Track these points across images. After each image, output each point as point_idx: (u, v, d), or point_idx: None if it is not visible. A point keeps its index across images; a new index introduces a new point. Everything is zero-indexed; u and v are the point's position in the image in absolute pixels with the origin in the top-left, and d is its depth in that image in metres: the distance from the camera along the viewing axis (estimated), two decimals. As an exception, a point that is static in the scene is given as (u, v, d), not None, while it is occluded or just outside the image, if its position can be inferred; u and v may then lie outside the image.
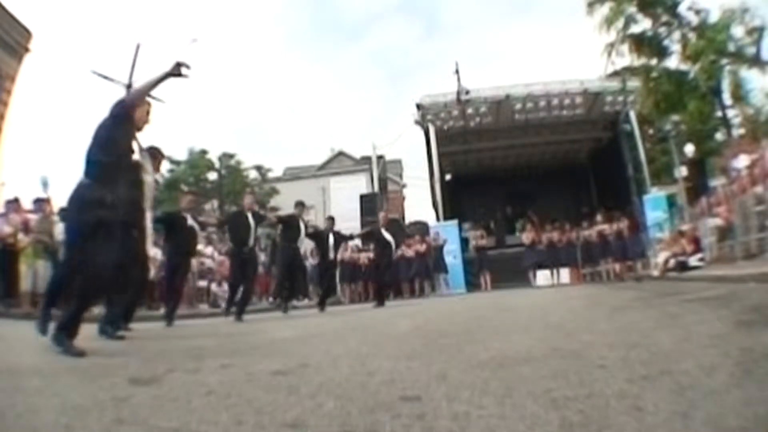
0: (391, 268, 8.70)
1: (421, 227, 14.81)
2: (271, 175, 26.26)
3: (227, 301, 8.07)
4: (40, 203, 7.72)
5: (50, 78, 56.12)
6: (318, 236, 7.88)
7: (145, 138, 3.62)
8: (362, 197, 16.42)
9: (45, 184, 7.94)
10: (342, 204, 20.37)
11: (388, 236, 8.13)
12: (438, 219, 15.10)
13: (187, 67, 2.69)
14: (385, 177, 25.35)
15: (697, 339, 1.97)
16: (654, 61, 11.55)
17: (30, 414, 1.37)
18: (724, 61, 10.48)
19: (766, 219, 6.60)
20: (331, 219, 8.26)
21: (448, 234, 13.02)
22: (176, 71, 2.66)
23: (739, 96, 11.18)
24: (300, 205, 7.50)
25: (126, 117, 2.81)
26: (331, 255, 7.82)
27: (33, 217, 7.34)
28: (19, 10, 15.56)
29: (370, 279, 10.81)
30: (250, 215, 6.39)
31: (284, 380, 1.75)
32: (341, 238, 8.24)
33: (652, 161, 16.43)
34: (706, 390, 1.21)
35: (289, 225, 7.18)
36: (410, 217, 22.61)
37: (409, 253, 12.49)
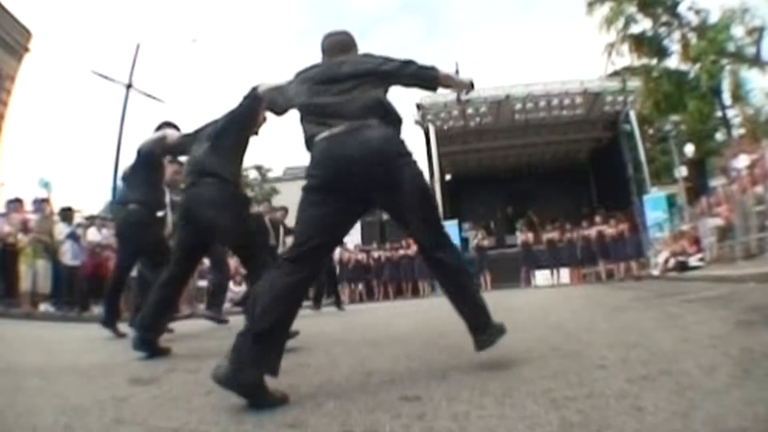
0: (332, 272, 8.02)
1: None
2: (271, 175, 26.29)
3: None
4: (40, 203, 7.72)
5: (50, 78, 56.22)
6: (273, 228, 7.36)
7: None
8: (362, 197, 16.39)
9: (47, 185, 7.95)
10: (342, 204, 20.36)
11: None
12: (438, 219, 15.09)
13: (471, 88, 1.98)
14: (385, 177, 25.28)
15: (697, 339, 1.97)
16: (654, 61, 11.57)
17: (30, 414, 1.37)
18: (725, 61, 10.50)
19: (766, 219, 6.59)
20: (284, 210, 7.72)
21: (448, 234, 13.02)
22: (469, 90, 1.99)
23: (739, 96, 11.20)
24: (283, 209, 7.38)
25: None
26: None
27: (33, 217, 7.33)
28: (19, 10, 15.58)
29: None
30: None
31: (284, 380, 1.75)
32: (286, 232, 7.70)
33: (652, 161, 16.43)
34: (706, 390, 1.21)
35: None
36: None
37: (410, 252, 12.50)
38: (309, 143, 1.73)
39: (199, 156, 2.68)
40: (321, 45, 2.02)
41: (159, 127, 3.50)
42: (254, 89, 2.53)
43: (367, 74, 1.78)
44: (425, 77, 1.85)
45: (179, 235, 2.81)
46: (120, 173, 4.21)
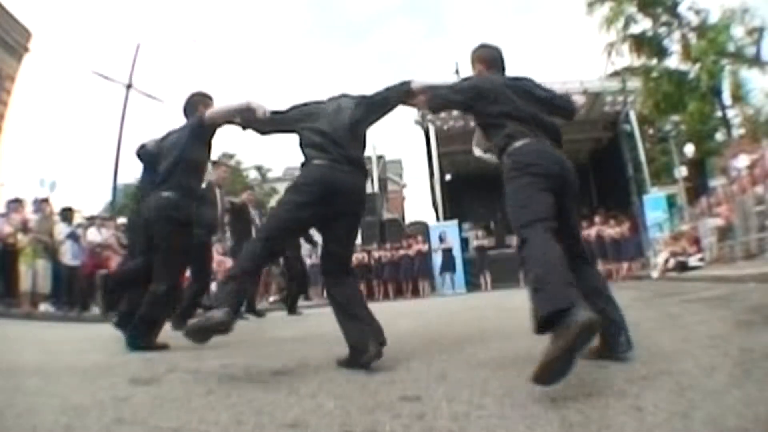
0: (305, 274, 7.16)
1: (421, 227, 14.81)
2: (271, 175, 26.37)
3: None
4: (40, 203, 7.73)
5: (50, 78, 56.28)
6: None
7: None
8: (362, 197, 16.36)
9: (51, 186, 7.94)
10: (342, 204, 20.38)
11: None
12: (438, 219, 15.10)
13: None
14: (385, 177, 25.38)
15: (697, 339, 1.97)
16: (654, 61, 11.56)
17: (30, 414, 1.37)
18: (725, 61, 10.50)
19: (766, 219, 6.59)
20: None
21: (448, 234, 13.03)
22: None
23: (739, 96, 11.19)
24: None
25: None
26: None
27: (33, 217, 7.34)
28: (19, 10, 15.59)
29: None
30: (218, 192, 5.17)
31: (284, 380, 1.75)
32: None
33: (652, 161, 16.42)
34: (706, 390, 1.21)
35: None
36: (410, 217, 22.66)
37: (410, 252, 12.52)
38: (509, 141, 1.90)
39: (338, 136, 2.25)
40: (479, 55, 2.24)
41: (192, 98, 3.00)
42: (406, 83, 2.34)
43: (540, 101, 2.04)
44: (569, 109, 2.18)
45: (304, 211, 2.14)
46: (138, 148, 3.28)
